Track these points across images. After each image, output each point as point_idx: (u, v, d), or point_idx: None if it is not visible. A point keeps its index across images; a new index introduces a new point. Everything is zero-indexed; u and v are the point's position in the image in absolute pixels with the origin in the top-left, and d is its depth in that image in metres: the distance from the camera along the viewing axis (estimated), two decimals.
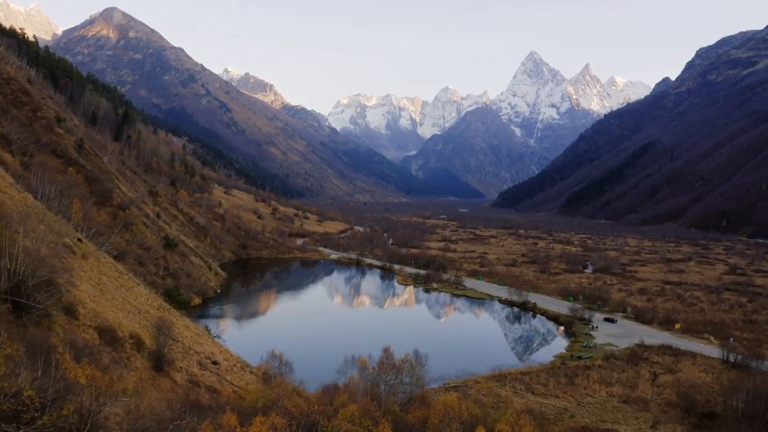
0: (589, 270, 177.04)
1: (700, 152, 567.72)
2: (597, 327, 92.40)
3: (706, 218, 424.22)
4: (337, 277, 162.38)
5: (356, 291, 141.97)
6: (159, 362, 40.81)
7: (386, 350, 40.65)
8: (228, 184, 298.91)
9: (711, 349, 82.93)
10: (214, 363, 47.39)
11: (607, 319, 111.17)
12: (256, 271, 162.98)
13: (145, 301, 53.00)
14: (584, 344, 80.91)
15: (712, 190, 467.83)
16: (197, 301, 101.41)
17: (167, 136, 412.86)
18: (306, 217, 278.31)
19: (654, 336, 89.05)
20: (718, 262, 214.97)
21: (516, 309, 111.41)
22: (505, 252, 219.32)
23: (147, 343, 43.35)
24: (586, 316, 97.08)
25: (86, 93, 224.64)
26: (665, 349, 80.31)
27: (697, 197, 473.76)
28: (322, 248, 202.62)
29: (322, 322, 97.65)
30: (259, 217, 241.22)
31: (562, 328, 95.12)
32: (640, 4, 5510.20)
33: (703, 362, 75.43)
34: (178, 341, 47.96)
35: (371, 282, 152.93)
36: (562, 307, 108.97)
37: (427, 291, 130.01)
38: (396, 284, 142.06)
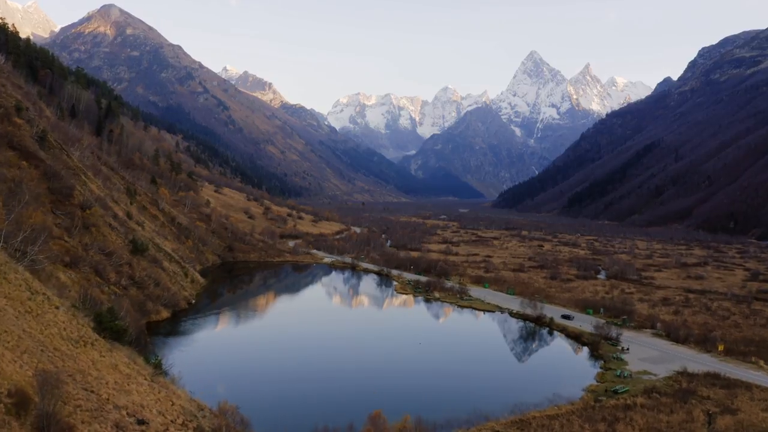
0: (602, 276, 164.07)
1: (706, 152, 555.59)
2: (628, 349, 79.07)
3: (713, 220, 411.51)
4: (329, 285, 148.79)
5: (348, 302, 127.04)
6: None
7: (374, 418, 27.71)
8: (219, 183, 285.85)
9: (763, 377, 70.23)
10: (141, 422, 34.42)
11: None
12: (242, 276, 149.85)
13: (60, 333, 40.01)
14: (617, 373, 67.78)
15: (718, 190, 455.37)
16: (165, 314, 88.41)
17: (159, 133, 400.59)
18: (300, 218, 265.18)
19: (694, 360, 76.17)
20: (735, 266, 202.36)
21: (530, 324, 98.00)
22: (510, 255, 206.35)
23: (37, 401, 30.42)
24: (614, 335, 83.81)
25: (67, 85, 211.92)
26: (713, 378, 67.38)
27: (703, 198, 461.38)
28: (315, 251, 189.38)
29: (304, 342, 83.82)
30: (250, 217, 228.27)
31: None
32: (641, 4, 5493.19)
33: (761, 396, 62.56)
34: (92, 392, 34.97)
35: (366, 290, 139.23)
36: (582, 321, 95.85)
37: (428, 301, 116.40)
38: (393, 293, 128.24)
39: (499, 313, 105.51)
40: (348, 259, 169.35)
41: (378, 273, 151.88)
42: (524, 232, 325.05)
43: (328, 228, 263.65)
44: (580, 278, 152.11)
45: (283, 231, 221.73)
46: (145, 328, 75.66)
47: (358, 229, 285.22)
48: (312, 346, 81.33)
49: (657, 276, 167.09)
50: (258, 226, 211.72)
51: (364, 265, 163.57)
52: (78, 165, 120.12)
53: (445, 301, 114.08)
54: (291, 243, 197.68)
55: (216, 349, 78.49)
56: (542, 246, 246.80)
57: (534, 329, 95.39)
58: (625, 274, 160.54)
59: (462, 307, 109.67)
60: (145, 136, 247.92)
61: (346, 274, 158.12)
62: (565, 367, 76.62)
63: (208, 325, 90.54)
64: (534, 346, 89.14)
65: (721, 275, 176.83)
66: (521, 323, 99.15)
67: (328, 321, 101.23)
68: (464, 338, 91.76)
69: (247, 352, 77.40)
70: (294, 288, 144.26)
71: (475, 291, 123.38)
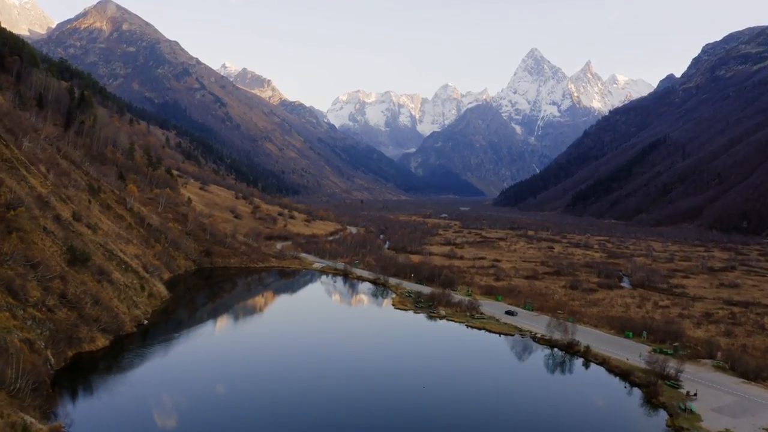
0: (625, 283, 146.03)
1: (714, 149, 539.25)
2: (695, 394, 60.75)
3: (725, 219, 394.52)
4: (314, 299, 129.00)
5: (334, 322, 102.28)
6: None
7: None
8: (207, 180, 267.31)
9: None
10: None
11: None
12: (218, 285, 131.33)
13: None
14: None
15: (729, 189, 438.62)
16: (101, 342, 69.96)
17: (148, 128, 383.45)
18: (292, 217, 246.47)
19: None
20: (765, 271, 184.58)
21: (558, 352, 79.12)
22: (520, 259, 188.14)
23: None
24: (672, 371, 65.46)
25: (36, 73, 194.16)
26: None
27: (713, 197, 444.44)
28: (304, 255, 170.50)
29: (271, 384, 63.82)
30: (236, 216, 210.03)
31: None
32: (643, 2, 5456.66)
33: None
34: None
35: (357, 306, 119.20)
36: (623, 349, 77.05)
37: (431, 318, 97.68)
38: (390, 308, 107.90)
39: (519, 336, 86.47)
40: (341, 265, 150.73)
41: (374, 282, 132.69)
42: (530, 232, 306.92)
43: (321, 228, 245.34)
44: (603, 287, 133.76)
45: (271, 232, 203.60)
46: (57, 370, 57.20)
47: (354, 229, 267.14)
48: (282, 388, 62.95)
49: (686, 283, 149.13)
50: (244, 226, 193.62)
51: (358, 272, 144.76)
52: (18, 157, 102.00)
53: (453, 320, 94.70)
54: (279, 245, 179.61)
55: (158, 395, 59.96)
56: (552, 248, 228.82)
57: (564, 358, 76.55)
58: (652, 281, 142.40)
59: (473, 327, 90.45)
60: (122, 129, 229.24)
61: (337, 282, 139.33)
62: (619, 422, 57.49)
63: (155, 357, 71.61)
64: (568, 384, 69.07)
65: (755, 282, 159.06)
66: (547, 349, 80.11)
67: (306, 350, 79.44)
68: (479, 375, 70.44)
69: (196, 396, 58.99)
70: (272, 304, 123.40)
71: (487, 305, 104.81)
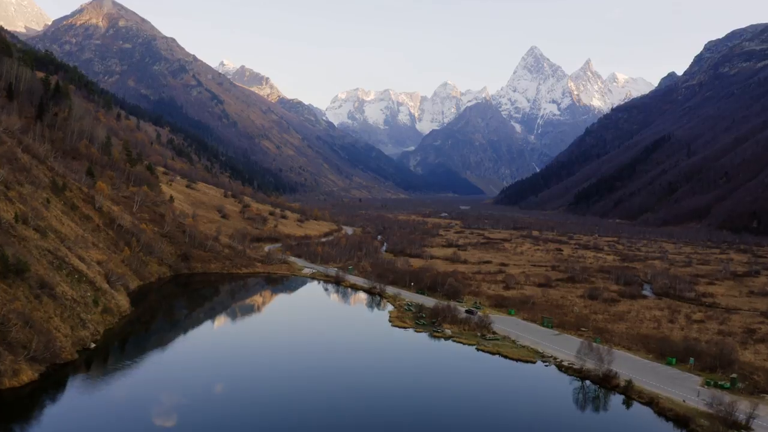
0: (647, 291, 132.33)
1: (720, 147, 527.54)
2: None
3: (734, 219, 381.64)
4: (299, 311, 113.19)
5: (321, 344, 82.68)
6: None
7: None
8: (194, 177, 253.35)
9: None
10: None
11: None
12: (194, 294, 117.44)
13: None
14: None
15: (738, 187, 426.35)
16: (28, 375, 55.77)
17: (139, 124, 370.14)
18: (284, 217, 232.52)
19: None
20: None
21: (591, 385, 64.71)
22: (529, 262, 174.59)
23: None
24: (742, 417, 51.66)
25: (6, 61, 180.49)
26: None
27: (721, 195, 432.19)
28: (294, 258, 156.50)
29: None
30: (223, 216, 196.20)
31: None
32: (643, 1, 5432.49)
33: None
34: None
35: (349, 321, 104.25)
36: (670, 382, 63.03)
37: (435, 338, 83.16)
38: (387, 325, 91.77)
39: (542, 363, 71.77)
40: (333, 270, 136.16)
41: (369, 291, 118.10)
42: (536, 233, 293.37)
43: (315, 229, 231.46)
44: (625, 297, 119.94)
45: (260, 233, 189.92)
46: None
47: (350, 230, 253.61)
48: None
49: (714, 291, 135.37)
50: (230, 227, 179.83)
51: (352, 279, 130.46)
52: None
53: (460, 341, 79.88)
54: (268, 248, 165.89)
55: None
56: (561, 250, 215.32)
57: (597, 394, 62.64)
58: (678, 289, 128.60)
59: (484, 351, 75.70)
60: (103, 123, 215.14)
61: (328, 291, 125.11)
62: None
63: (93, 393, 57.83)
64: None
65: None
66: (576, 381, 65.96)
67: (277, 390, 61.85)
68: (494, 419, 56.66)
69: None
70: (246, 319, 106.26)
71: (499, 321, 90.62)
